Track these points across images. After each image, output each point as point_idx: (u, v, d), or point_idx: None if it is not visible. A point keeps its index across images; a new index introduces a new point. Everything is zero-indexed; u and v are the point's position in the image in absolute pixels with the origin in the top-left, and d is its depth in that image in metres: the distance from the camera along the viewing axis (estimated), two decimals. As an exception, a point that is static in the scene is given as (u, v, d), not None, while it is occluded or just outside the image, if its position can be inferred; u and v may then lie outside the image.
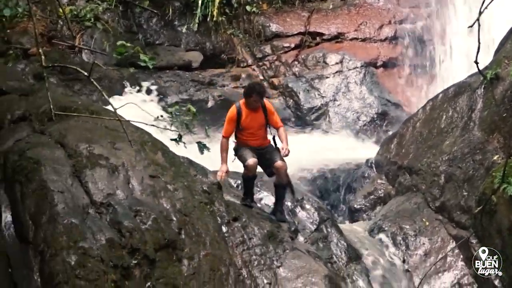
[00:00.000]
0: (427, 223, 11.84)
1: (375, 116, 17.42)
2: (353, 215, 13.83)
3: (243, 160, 9.67)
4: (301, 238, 10.29)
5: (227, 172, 9.86)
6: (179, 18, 18.01)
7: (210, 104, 16.68)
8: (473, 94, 12.59)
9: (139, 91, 15.64)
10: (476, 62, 6.13)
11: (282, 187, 9.88)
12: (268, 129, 10.00)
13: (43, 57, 7.52)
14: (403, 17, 19.12)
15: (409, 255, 11.54)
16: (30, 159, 8.51)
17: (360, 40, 18.80)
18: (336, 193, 14.68)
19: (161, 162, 9.30)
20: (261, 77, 18.08)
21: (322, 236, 10.85)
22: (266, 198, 11.20)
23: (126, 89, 15.49)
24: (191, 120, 8.02)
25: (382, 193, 13.64)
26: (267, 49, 18.56)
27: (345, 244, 10.90)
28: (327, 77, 17.95)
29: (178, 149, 8.70)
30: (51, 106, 8.88)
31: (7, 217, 8.28)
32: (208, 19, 17.83)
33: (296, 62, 18.37)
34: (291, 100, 17.71)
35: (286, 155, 9.55)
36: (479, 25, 5.91)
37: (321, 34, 18.84)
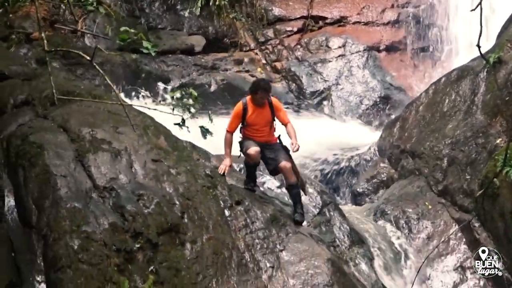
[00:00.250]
0: (429, 207, 11.87)
1: (378, 100, 17.41)
2: (356, 199, 13.87)
3: (245, 149, 9.63)
4: (304, 222, 10.28)
5: (230, 166, 9.83)
6: (182, 2, 17.98)
7: (213, 88, 16.68)
8: (475, 78, 12.57)
9: None
10: (478, 46, 6.13)
11: (293, 187, 9.78)
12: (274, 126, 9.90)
13: (45, 41, 7.52)
14: (406, 0, 19.07)
15: (412, 238, 11.57)
16: (33, 144, 8.51)
17: (362, 24, 18.78)
18: (339, 177, 14.70)
19: (163, 146, 9.30)
20: (264, 61, 18.05)
21: (325, 219, 10.86)
22: (268, 182, 11.19)
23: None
24: (193, 104, 8.01)
25: (385, 176, 13.67)
26: (270, 33, 18.53)
27: (348, 227, 10.90)
28: (329, 61, 17.94)
29: (181, 133, 8.68)
30: (54, 91, 8.92)
31: (10, 201, 8.29)
32: (210, 3, 17.78)
33: (298, 46, 18.34)
34: (294, 84, 17.69)
35: (297, 150, 9.49)
36: (481, 8, 5.91)
37: (324, 18, 18.82)
